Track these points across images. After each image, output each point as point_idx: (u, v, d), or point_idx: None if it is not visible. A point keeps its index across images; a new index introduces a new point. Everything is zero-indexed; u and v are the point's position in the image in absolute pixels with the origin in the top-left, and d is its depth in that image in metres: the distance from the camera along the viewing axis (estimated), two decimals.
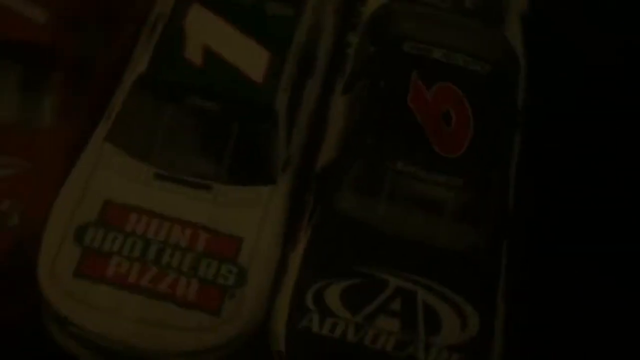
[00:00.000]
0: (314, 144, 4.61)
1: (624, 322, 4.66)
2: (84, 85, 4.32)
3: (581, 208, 5.10)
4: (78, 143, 4.13)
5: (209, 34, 4.31)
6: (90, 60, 4.39)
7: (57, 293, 3.73)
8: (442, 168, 4.22)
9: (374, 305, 3.93)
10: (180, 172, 4.04)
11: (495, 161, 4.37)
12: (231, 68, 4.19)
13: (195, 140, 4.16)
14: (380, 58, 4.66)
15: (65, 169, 4.04)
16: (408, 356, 3.80)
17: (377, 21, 4.99)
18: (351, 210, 4.19)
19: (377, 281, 3.98)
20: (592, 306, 4.68)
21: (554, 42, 5.64)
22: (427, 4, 5.16)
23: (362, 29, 5.04)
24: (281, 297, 3.94)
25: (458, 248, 4.13)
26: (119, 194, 3.95)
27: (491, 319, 4.00)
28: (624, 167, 5.36)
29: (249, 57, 4.25)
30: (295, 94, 4.43)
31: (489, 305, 4.04)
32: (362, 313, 3.90)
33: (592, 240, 4.96)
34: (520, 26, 5.30)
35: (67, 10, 4.24)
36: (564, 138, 5.28)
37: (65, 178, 4.01)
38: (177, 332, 3.67)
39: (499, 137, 4.46)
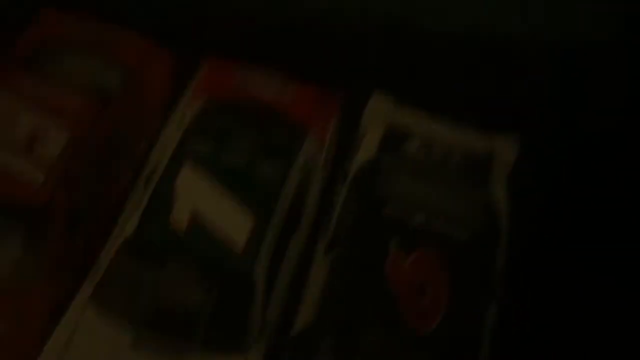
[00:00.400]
0: (295, 302, 4.78)
1: (623, 322, 4.72)
2: (75, 244, 4.49)
3: (580, 208, 5.23)
4: (63, 302, 4.29)
5: (198, 197, 4.47)
6: (84, 217, 4.56)
7: None
8: (412, 344, 4.32)
9: None
10: (156, 337, 4.20)
11: (467, 337, 4.46)
12: (214, 235, 4.36)
13: (173, 307, 4.29)
14: (359, 222, 4.80)
15: (48, 330, 4.17)
16: None
17: (361, 178, 5.12)
18: None
19: None
20: (592, 306, 4.75)
21: None
22: (414, 160, 5.35)
23: (348, 185, 5.22)
24: None
25: None
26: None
27: None
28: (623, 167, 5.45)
29: (234, 223, 4.39)
30: (276, 257, 4.61)
31: None
32: None
33: (592, 241, 5.05)
34: (506, 186, 5.42)
35: (63, 169, 4.44)
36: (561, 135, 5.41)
37: (46, 340, 4.16)
38: None
39: (473, 311, 4.57)
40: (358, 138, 5.49)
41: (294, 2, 6.07)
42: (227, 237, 4.39)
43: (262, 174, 4.68)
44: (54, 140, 4.46)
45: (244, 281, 4.27)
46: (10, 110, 4.51)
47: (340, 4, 6.00)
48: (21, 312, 4.15)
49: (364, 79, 5.61)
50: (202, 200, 4.49)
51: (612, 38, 5.86)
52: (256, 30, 5.92)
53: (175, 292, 4.30)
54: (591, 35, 5.79)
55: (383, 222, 4.74)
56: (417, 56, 5.82)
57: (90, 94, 4.74)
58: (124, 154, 4.92)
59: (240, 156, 4.69)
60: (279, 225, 4.55)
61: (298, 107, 5.17)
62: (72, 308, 4.27)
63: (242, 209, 4.52)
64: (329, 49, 5.90)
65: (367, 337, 4.31)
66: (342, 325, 4.35)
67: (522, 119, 5.73)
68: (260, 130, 4.90)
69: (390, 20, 5.94)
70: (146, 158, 5.04)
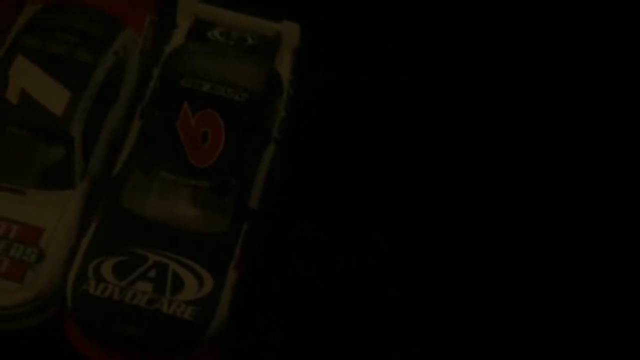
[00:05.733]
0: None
1: None
2: None
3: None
4: None
5: (26, 80, 5.94)
6: None
7: None
8: (194, 175, 5.91)
9: (136, 274, 5.62)
10: (2, 181, 5.70)
11: (238, 170, 6.02)
12: (39, 105, 5.86)
13: (13, 158, 5.82)
14: (161, 91, 6.31)
15: None
16: (156, 309, 5.51)
17: (168, 60, 6.58)
18: (129, 206, 5.89)
19: (140, 257, 5.68)
20: None
21: None
22: (214, 43, 6.76)
23: (160, 67, 6.63)
24: (71, 270, 5.66)
25: (205, 232, 5.83)
26: None
27: (222, 281, 5.69)
28: None
29: (54, 97, 5.92)
30: (94, 121, 6.05)
31: (222, 272, 5.71)
32: (126, 280, 5.59)
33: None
34: (292, 58, 6.90)
35: None
36: None
37: None
38: None
39: (244, 152, 6.11)
40: (173, 30, 6.98)
41: None
42: (49, 106, 5.88)
43: (78, 59, 6.10)
44: None
45: (63, 137, 5.81)
46: None
47: None
48: None
49: None
50: (30, 82, 5.94)
51: None
52: None
53: (13, 148, 5.80)
54: None
55: (178, 91, 6.24)
56: None
57: None
58: None
59: (61, 47, 6.11)
60: (92, 97, 6.03)
61: (115, 5, 6.56)
62: None
63: (60, 86, 5.96)
64: None
65: (161, 172, 5.88)
66: (144, 165, 5.92)
67: None
68: (80, 25, 6.29)
69: None
70: None
